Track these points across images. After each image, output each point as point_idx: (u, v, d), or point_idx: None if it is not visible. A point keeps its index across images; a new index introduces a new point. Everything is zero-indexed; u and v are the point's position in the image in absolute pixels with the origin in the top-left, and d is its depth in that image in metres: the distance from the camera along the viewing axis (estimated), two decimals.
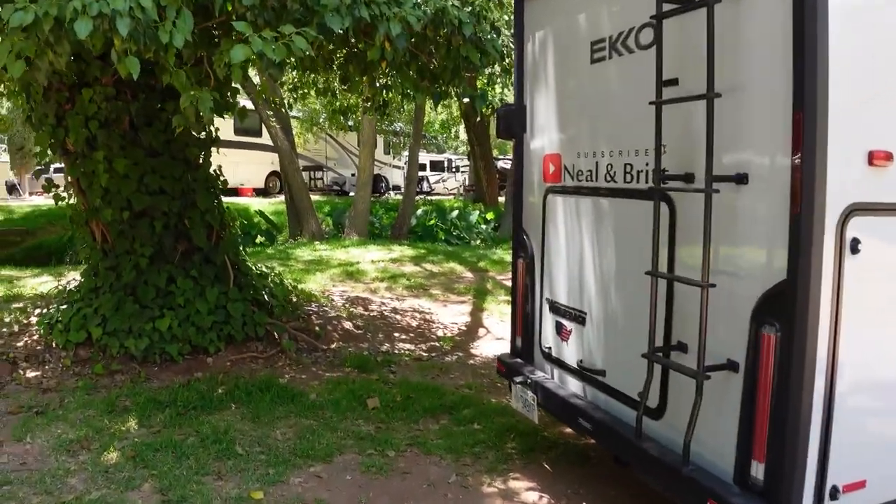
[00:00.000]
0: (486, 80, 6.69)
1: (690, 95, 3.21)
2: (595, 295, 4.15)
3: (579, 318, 4.31)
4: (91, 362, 6.48)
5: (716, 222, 3.12)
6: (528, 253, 4.85)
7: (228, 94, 6.37)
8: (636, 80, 3.75)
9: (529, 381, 4.59)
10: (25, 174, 30.22)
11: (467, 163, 37.45)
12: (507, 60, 6.42)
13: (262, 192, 27.52)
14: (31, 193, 29.23)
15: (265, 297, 7.33)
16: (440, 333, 8.50)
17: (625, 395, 3.89)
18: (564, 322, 4.47)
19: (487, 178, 24.20)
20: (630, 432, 3.65)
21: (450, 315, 9.35)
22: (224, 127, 23.27)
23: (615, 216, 3.97)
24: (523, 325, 4.94)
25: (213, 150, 7.19)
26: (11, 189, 29.32)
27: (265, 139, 20.42)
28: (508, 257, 13.56)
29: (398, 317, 8.96)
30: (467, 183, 33.11)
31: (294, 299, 8.37)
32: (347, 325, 8.17)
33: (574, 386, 4.40)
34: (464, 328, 8.85)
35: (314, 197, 22.28)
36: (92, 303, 6.76)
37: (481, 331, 8.82)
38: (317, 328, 7.73)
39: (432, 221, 18.38)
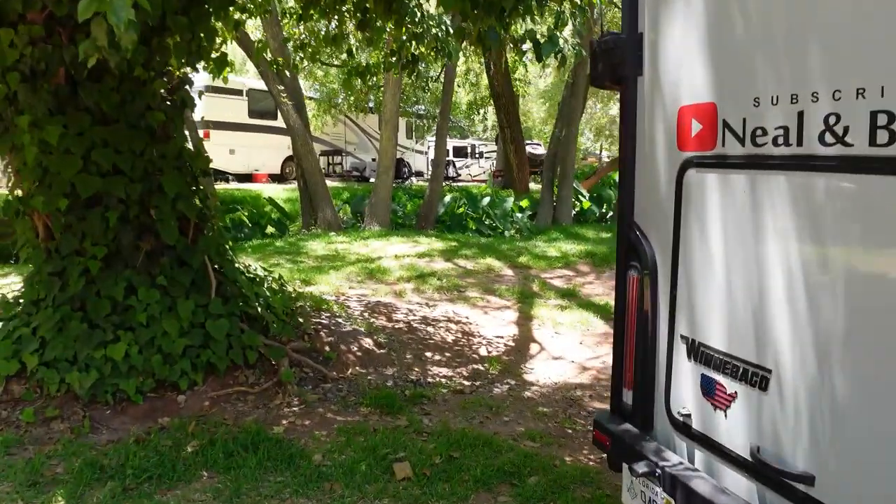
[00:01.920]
0: (554, 21, 4.89)
1: None
2: (796, 344, 2.38)
3: (755, 377, 2.55)
4: (25, 403, 4.83)
5: None
6: (647, 263, 3.08)
7: (202, 35, 4.64)
8: None
9: (660, 471, 2.82)
10: None
11: (492, 148, 35.66)
12: None
13: (277, 179, 25.84)
14: None
15: (259, 309, 5.61)
16: (483, 352, 6.77)
17: None
18: (721, 379, 2.71)
19: (518, 163, 22.36)
20: None
21: (492, 325, 7.61)
22: (238, 110, 21.82)
23: (850, 207, 2.20)
24: (637, 373, 3.18)
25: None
26: None
27: (281, 122, 18.78)
28: (552, 251, 11.81)
29: (430, 329, 7.23)
30: (494, 168, 31.24)
31: (298, 308, 6.66)
32: (367, 342, 6.44)
33: (740, 487, 2.64)
34: (511, 343, 7.11)
35: (332, 183, 20.64)
36: (31, 320, 5.11)
37: (533, 347, 7.08)
38: (327, 348, 6.01)
39: (462, 209, 16.57)
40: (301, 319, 6.29)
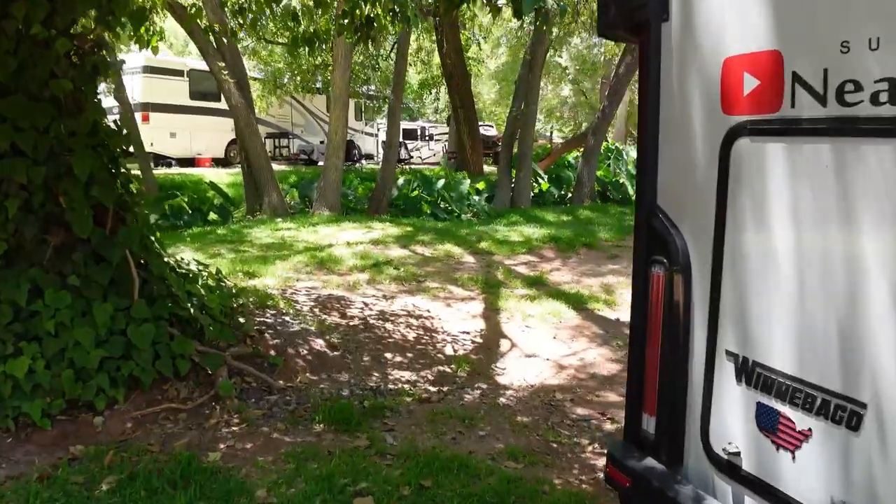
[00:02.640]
0: None
1: None
2: None
3: (842, 411, 1.92)
4: None
5: None
6: (678, 258, 2.43)
7: None
8: None
9: None
10: None
11: (442, 131, 34.93)
12: None
13: (221, 163, 24.74)
14: None
15: (192, 310, 4.83)
16: (448, 350, 6.11)
17: None
18: (788, 412, 2.08)
19: (472, 145, 21.73)
20: None
21: (456, 319, 6.95)
22: (179, 91, 20.81)
23: None
24: (663, 396, 2.54)
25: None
26: None
27: (224, 104, 17.86)
28: (514, 235, 11.19)
29: (388, 325, 6.54)
30: (447, 149, 30.55)
31: (239, 306, 5.90)
32: (318, 343, 5.71)
33: None
34: (479, 340, 6.46)
35: (279, 167, 19.77)
36: None
37: (503, 343, 6.44)
38: (272, 353, 5.28)
39: (416, 193, 15.85)
40: (242, 319, 5.54)
